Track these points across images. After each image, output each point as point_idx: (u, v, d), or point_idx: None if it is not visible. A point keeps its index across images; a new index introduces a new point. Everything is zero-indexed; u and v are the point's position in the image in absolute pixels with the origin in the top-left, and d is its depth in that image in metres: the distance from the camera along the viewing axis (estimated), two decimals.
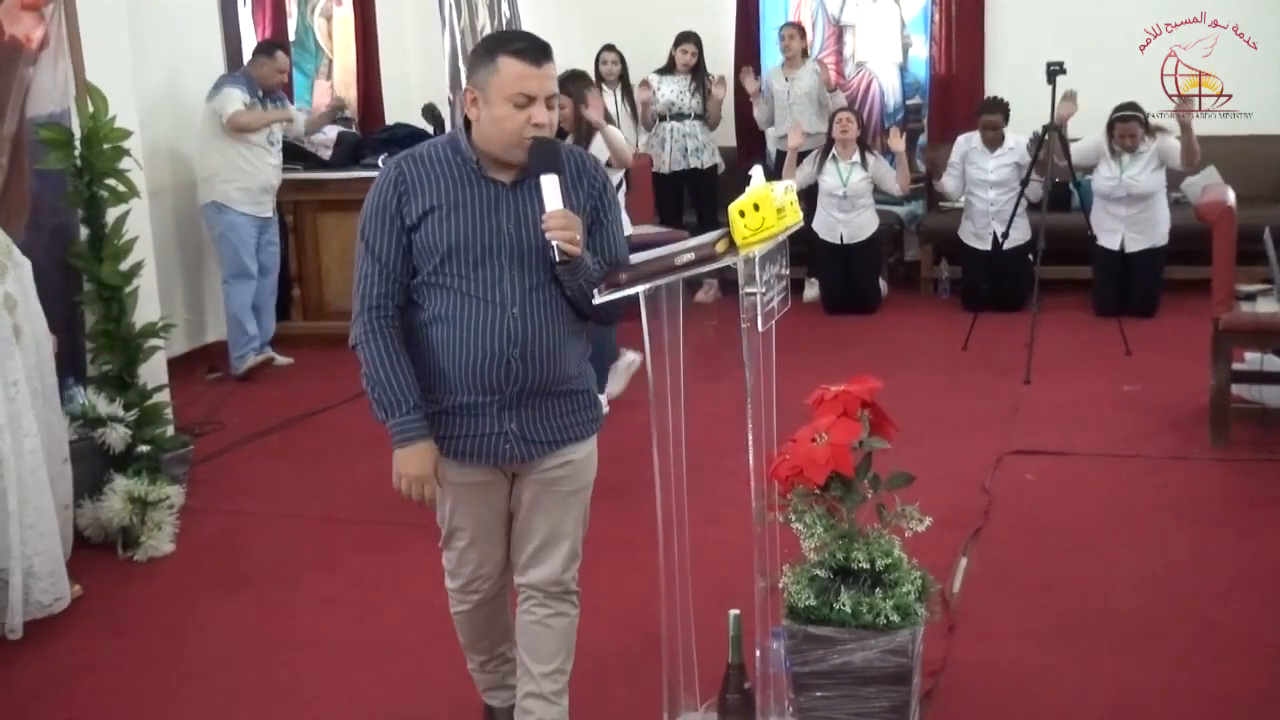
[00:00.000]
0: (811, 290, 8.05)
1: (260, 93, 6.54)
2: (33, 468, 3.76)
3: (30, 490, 3.75)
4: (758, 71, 8.52)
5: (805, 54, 8.36)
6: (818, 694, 2.82)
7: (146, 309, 4.88)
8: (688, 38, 8.21)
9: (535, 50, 2.51)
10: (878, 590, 2.78)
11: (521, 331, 2.56)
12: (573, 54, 8.23)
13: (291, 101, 7.23)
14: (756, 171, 2.73)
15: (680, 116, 8.21)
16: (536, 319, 2.57)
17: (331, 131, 7.50)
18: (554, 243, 2.49)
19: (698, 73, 8.24)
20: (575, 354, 2.68)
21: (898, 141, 7.71)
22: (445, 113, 6.40)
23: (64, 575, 3.87)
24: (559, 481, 2.73)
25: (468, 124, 2.60)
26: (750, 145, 8.67)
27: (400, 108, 8.41)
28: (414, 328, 2.61)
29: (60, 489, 4.00)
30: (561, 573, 2.77)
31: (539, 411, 2.64)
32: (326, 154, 7.40)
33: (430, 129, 7.04)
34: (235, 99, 6.37)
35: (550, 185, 2.51)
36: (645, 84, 8.18)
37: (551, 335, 2.59)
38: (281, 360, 6.85)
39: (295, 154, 7.21)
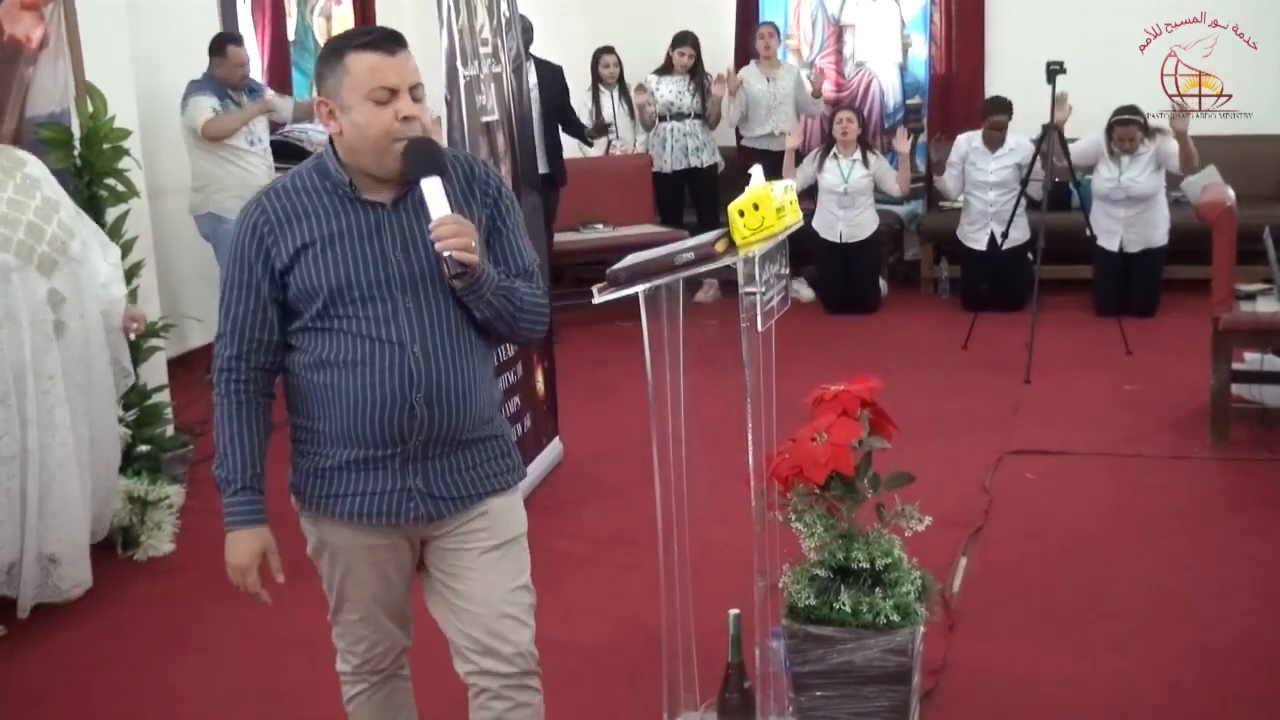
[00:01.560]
0: (805, 291, 7.97)
1: (229, 92, 6.38)
2: (60, 461, 3.83)
3: (57, 481, 3.83)
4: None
5: (800, 54, 8.35)
6: (818, 693, 2.82)
7: (146, 309, 4.87)
8: (684, 39, 8.20)
9: (386, 39, 2.20)
10: (878, 590, 2.78)
11: (425, 372, 2.22)
12: (573, 55, 8.24)
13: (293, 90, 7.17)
14: (756, 171, 2.73)
15: (680, 116, 8.21)
16: (443, 356, 2.24)
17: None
18: (447, 254, 2.16)
19: (696, 73, 8.23)
20: (488, 394, 2.35)
21: (903, 142, 7.70)
22: (441, 113, 6.35)
23: (87, 564, 3.97)
24: (476, 538, 2.35)
25: (333, 143, 2.28)
26: (742, 145, 8.65)
27: None
28: (297, 376, 2.30)
29: (110, 471, 4.15)
30: (512, 654, 2.34)
31: (448, 463, 2.31)
32: None
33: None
34: (204, 107, 6.22)
35: (433, 189, 2.19)
36: (641, 88, 8.19)
37: (461, 374, 2.26)
38: None
39: (295, 154, 7.20)
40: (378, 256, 2.23)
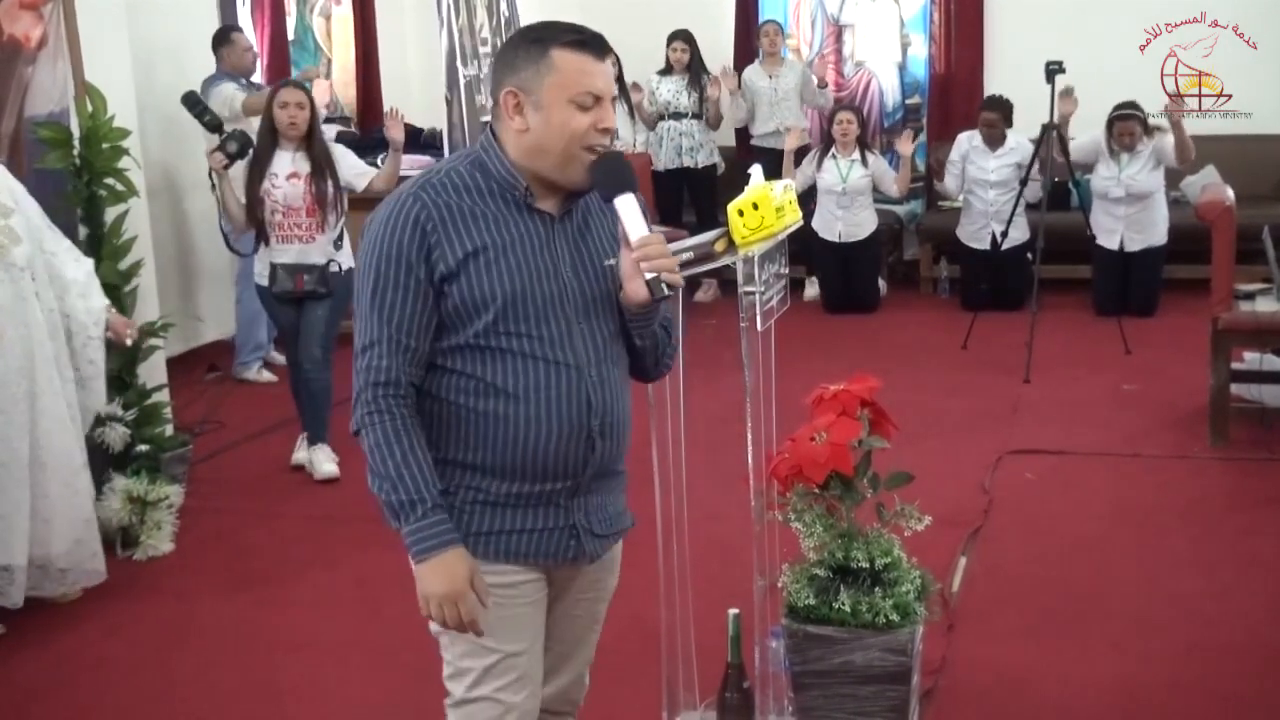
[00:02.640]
0: (811, 289, 8.04)
1: (244, 80, 6.51)
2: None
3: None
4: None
5: (798, 52, 8.37)
6: (817, 693, 2.81)
7: (145, 308, 4.88)
8: (678, 35, 8.21)
9: (598, 41, 2.08)
10: (877, 589, 2.77)
11: (602, 398, 2.07)
12: None
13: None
14: (756, 170, 2.73)
15: (678, 115, 8.22)
16: (612, 381, 2.10)
17: (330, 130, 7.47)
18: (651, 276, 2.01)
19: (694, 71, 8.23)
20: None
21: (906, 145, 7.70)
22: (442, 112, 6.31)
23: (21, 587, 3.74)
24: (605, 584, 2.28)
25: (498, 140, 2.08)
26: (750, 144, 8.67)
27: (399, 107, 8.41)
28: (448, 402, 2.06)
29: (72, 498, 3.92)
30: (573, 691, 2.33)
31: (602, 498, 2.16)
32: None
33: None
34: (231, 91, 6.34)
35: (630, 206, 2.04)
36: (635, 86, 8.20)
37: (625, 400, 2.14)
38: (280, 360, 6.83)
39: None
40: (551, 271, 2.05)
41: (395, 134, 5.13)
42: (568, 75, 2.01)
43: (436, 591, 2.02)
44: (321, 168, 4.87)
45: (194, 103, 5.37)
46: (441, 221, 2.00)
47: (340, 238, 4.98)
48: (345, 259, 4.96)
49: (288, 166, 4.87)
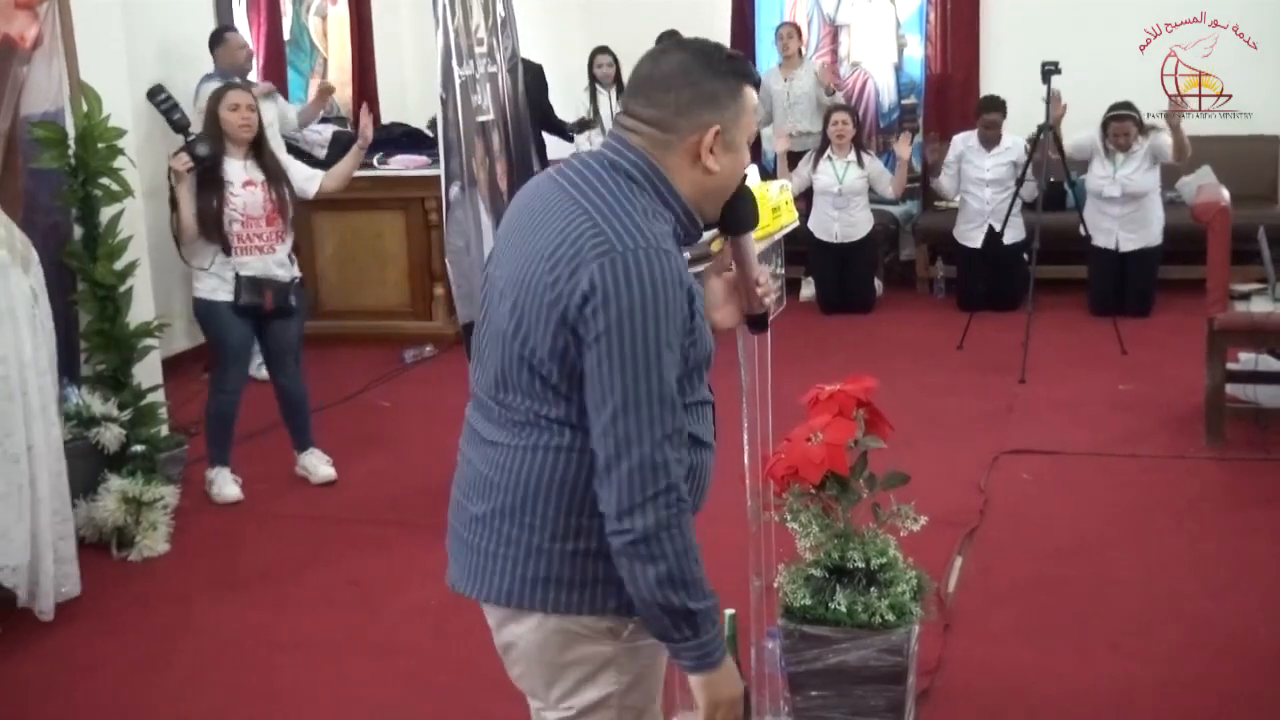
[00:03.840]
0: (808, 289, 8.05)
1: (238, 80, 6.51)
2: (57, 454, 3.83)
3: (58, 479, 3.81)
4: None
5: (801, 54, 8.37)
6: (813, 693, 2.82)
7: (141, 308, 4.87)
8: (663, 38, 8.18)
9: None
10: (873, 589, 2.78)
11: None
12: (568, 56, 8.23)
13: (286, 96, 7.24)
14: (751, 171, 2.72)
15: None
16: None
17: (326, 130, 7.48)
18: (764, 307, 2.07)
19: None
20: None
21: (904, 148, 7.70)
22: (437, 112, 6.29)
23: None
24: None
25: (667, 178, 1.85)
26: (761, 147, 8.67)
27: (396, 107, 8.42)
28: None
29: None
30: None
31: None
32: (321, 153, 7.36)
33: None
34: (217, 85, 6.37)
35: (750, 238, 2.05)
36: None
37: None
38: None
39: (290, 152, 7.19)
40: None
41: (369, 132, 5.05)
42: (750, 116, 1.90)
43: (730, 695, 1.87)
44: (276, 175, 4.71)
45: (162, 98, 5.04)
46: (685, 274, 1.81)
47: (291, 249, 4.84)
48: (296, 270, 4.87)
49: (241, 174, 4.66)
